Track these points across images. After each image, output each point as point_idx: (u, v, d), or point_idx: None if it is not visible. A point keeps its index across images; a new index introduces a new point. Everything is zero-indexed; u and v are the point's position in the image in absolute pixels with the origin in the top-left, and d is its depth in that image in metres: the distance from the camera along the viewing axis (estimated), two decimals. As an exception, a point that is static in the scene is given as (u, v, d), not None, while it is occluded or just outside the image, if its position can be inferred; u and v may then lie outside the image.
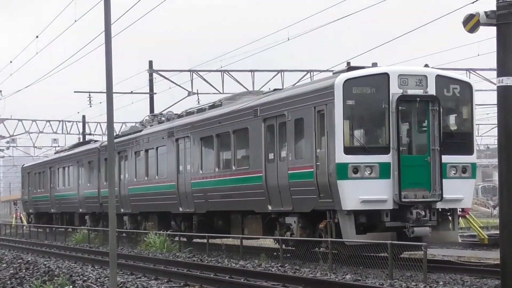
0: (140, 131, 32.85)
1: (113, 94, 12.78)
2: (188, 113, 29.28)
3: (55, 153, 52.01)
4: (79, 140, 59.05)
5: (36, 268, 21.87)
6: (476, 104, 21.35)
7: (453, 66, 41.12)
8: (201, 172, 26.69)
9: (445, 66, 36.16)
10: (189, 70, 43.29)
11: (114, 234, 12.79)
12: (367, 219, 19.68)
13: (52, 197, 45.05)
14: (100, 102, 53.45)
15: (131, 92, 49.21)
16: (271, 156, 22.46)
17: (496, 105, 14.92)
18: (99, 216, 38.22)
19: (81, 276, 18.47)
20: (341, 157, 19.48)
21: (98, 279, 17.65)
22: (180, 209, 28.07)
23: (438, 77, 20.36)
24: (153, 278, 18.58)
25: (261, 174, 22.71)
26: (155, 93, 45.06)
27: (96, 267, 22.26)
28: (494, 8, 14.61)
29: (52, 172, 45.38)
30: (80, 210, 39.92)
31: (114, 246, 12.79)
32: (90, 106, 55.34)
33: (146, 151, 31.28)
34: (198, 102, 41.91)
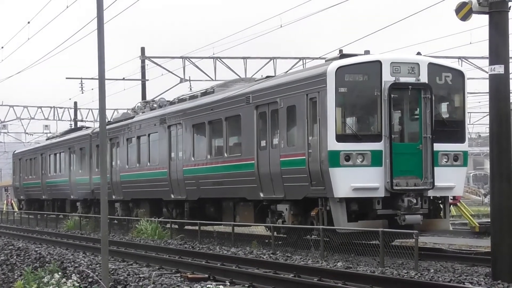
0: (132, 117, 32.80)
1: (105, 81, 12.75)
2: (180, 100, 29.24)
3: (46, 139, 51.93)
4: (71, 126, 58.95)
5: (27, 254, 21.86)
6: (468, 93, 21.40)
7: (445, 54, 41.14)
8: (193, 159, 26.69)
9: (437, 54, 36.19)
10: (181, 57, 43.19)
11: (105, 220, 12.80)
12: (359, 207, 19.72)
13: (44, 184, 45.00)
14: (92, 89, 53.34)
15: (123, 79, 49.11)
16: (263, 143, 22.47)
17: (488, 94, 14.96)
18: (90, 203, 38.20)
19: (72, 263, 18.48)
20: (333, 145, 19.51)
21: (90, 266, 17.67)
22: (172, 196, 28.08)
23: (430, 65, 20.38)
24: (144, 265, 18.61)
25: (253, 162, 22.72)
26: (147, 80, 44.98)
27: (87, 253, 22.27)
28: (487, -4, 14.63)
29: (43, 159, 45.31)
30: (72, 196, 39.89)
31: (106, 232, 12.80)
32: (82, 93, 55.20)
33: (138, 138, 31.24)
34: (190, 89, 41.85)
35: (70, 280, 13.63)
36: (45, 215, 42.78)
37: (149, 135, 30.29)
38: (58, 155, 42.68)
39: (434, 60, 21.07)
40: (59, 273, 14.77)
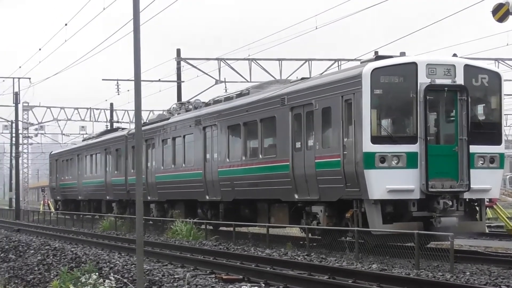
0: (168, 119, 32.96)
1: (141, 82, 12.84)
2: (216, 102, 29.33)
3: (82, 140, 52.39)
4: (107, 127, 59.45)
5: (63, 254, 22.08)
6: (504, 94, 21.21)
7: (481, 55, 40.81)
8: (228, 160, 26.75)
9: (473, 55, 35.94)
10: (216, 59, 43.36)
11: (141, 221, 12.88)
12: (394, 209, 19.64)
13: (80, 184, 45.39)
14: (128, 90, 53.78)
15: (159, 80, 49.45)
16: (298, 144, 22.46)
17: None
18: (126, 204, 38.46)
19: (107, 263, 18.63)
20: (368, 146, 19.45)
21: (125, 266, 17.80)
22: (207, 197, 28.16)
23: (467, 66, 20.24)
24: (179, 265, 18.70)
25: (288, 163, 22.73)
26: (183, 81, 45.20)
27: (122, 254, 22.43)
28: (524, -3, 14.51)
29: (79, 159, 45.71)
30: (107, 197, 40.20)
31: (141, 233, 12.89)
32: (118, 94, 55.70)
33: (173, 139, 31.38)
34: (226, 91, 41.97)
35: (107, 281, 13.75)
36: (81, 216, 43.16)
37: (184, 136, 30.41)
38: (94, 156, 43.03)
39: (470, 62, 20.93)
40: (96, 273, 14.91)
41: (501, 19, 14.67)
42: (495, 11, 14.66)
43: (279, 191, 23.39)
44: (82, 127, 69.52)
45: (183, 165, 30.37)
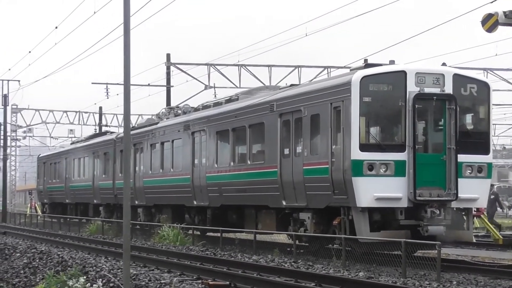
0: (156, 123, 32.92)
1: (130, 86, 12.80)
2: (205, 107, 29.30)
3: (71, 143, 52.24)
4: (96, 131, 59.27)
5: (49, 258, 21.97)
6: (493, 104, 21.26)
7: (471, 65, 40.94)
8: (216, 166, 26.72)
9: (463, 65, 36.01)
10: (206, 64, 43.34)
11: (128, 226, 12.83)
12: (381, 217, 19.65)
13: (67, 188, 45.23)
14: (117, 94, 53.69)
15: (148, 85, 49.36)
16: (286, 151, 22.45)
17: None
18: (113, 208, 38.34)
19: (94, 267, 18.55)
20: (356, 154, 19.46)
21: (111, 271, 17.72)
22: (194, 203, 28.11)
23: (456, 76, 20.28)
24: (166, 270, 18.63)
25: (276, 169, 22.71)
26: (172, 86, 45.17)
27: (109, 258, 22.34)
28: (514, 8, 14.55)
29: (67, 163, 45.56)
30: (95, 201, 40.07)
31: (128, 238, 12.83)
32: (107, 98, 55.60)
33: (162, 143, 31.34)
34: (215, 96, 41.94)
35: (95, 285, 13.68)
36: (68, 219, 43.00)
37: (173, 141, 30.36)
38: (82, 159, 42.89)
39: (459, 71, 20.98)
40: (84, 277, 14.83)
41: (490, 29, 14.71)
42: (484, 21, 14.70)
43: (267, 197, 23.37)
44: (71, 130, 69.34)
45: (171, 169, 30.31)
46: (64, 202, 46.55)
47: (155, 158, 31.92)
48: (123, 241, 12.87)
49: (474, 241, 25.70)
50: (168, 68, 44.22)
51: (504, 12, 14.57)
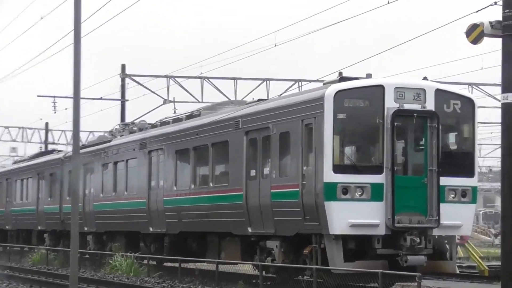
0: (109, 141, 32.81)
1: (81, 100, 12.79)
2: (163, 123, 29.29)
3: (13, 163, 51.83)
4: (41, 149, 58.93)
5: (-13, 290, 21.73)
6: (478, 122, 21.51)
7: (454, 80, 41.44)
8: (175, 188, 26.68)
9: (445, 79, 36.43)
10: (165, 76, 43.40)
11: (76, 255, 12.77)
12: (357, 245, 19.71)
13: (8, 212, 44.81)
14: (66, 108, 53.38)
15: (101, 98, 49.23)
16: (252, 172, 22.49)
17: (500, 124, 15.08)
18: (59, 235, 38.06)
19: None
20: (329, 176, 19.54)
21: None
22: (151, 229, 28.02)
23: (438, 91, 20.49)
24: (118, 304, 18.53)
25: (241, 193, 22.72)
26: (127, 100, 45.14)
27: (55, 291, 22.16)
28: (500, 18, 14.79)
29: (8, 184, 45.17)
30: (39, 227, 39.74)
31: (76, 268, 12.77)
32: (55, 112, 55.30)
33: (115, 163, 31.24)
34: (175, 112, 41.98)
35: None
36: (8, 248, 42.55)
37: (127, 160, 30.28)
38: (25, 180, 42.56)
39: (442, 86, 21.18)
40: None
41: (475, 41, 14.93)
42: (469, 32, 14.92)
43: (230, 223, 23.36)
44: (13, 148, 68.84)
45: (125, 192, 30.21)
46: (4, 228, 46.09)
47: (107, 179, 31.78)
48: (70, 272, 12.82)
49: (458, 272, 25.90)
50: (123, 80, 44.20)
51: (490, 23, 14.80)
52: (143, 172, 28.68)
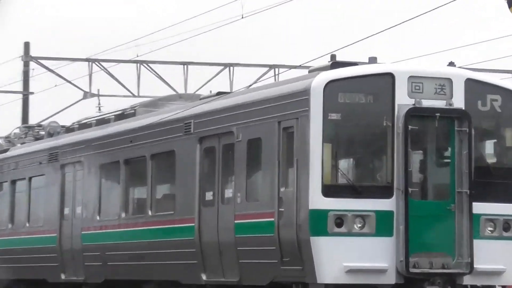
0: (5, 151, 32.68)
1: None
2: (83, 126, 29.25)
3: None
4: None
5: None
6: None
7: (491, 66, 41.57)
8: (98, 218, 26.60)
9: (479, 66, 36.58)
10: (87, 60, 43.32)
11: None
12: (356, 299, 19.73)
13: None
14: None
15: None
16: (209, 196, 22.46)
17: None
18: None
19: None
20: (317, 201, 19.51)
21: None
22: (63, 277, 27.98)
23: (470, 82, 20.53)
24: None
25: (193, 224, 22.70)
26: (32, 93, 44.94)
27: None
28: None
29: None
30: None
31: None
32: None
33: (13, 182, 31.19)
34: (99, 109, 41.80)
35: None
36: None
37: (30, 178, 30.20)
38: None
39: (475, 75, 21.20)
40: None
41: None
42: (511, 1, 14.92)
43: (177, 268, 23.35)
44: None
45: (27, 224, 30.13)
46: None
47: (2, 205, 31.64)
48: None
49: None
50: (26, 65, 44.00)
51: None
52: (53, 195, 28.58)
